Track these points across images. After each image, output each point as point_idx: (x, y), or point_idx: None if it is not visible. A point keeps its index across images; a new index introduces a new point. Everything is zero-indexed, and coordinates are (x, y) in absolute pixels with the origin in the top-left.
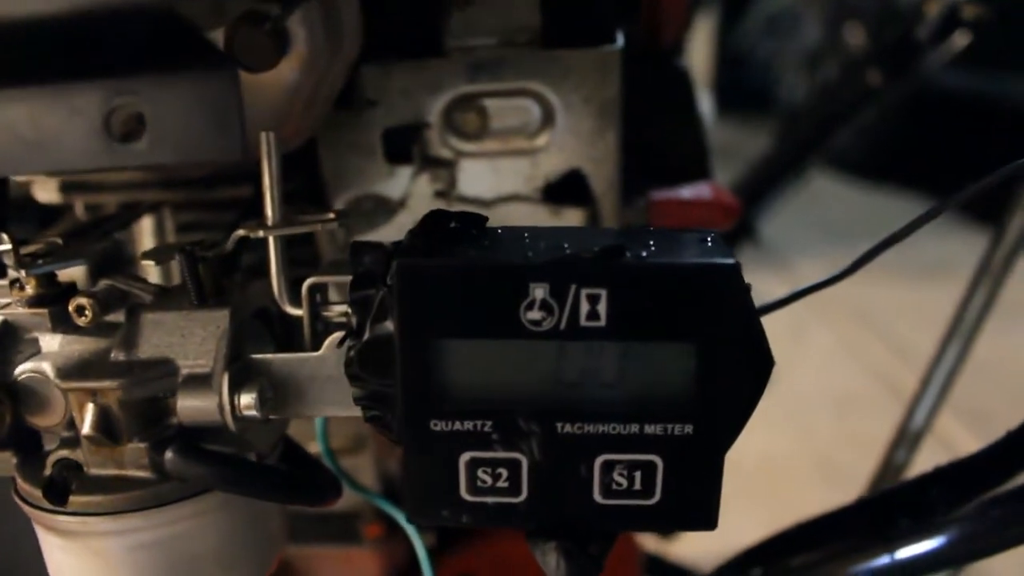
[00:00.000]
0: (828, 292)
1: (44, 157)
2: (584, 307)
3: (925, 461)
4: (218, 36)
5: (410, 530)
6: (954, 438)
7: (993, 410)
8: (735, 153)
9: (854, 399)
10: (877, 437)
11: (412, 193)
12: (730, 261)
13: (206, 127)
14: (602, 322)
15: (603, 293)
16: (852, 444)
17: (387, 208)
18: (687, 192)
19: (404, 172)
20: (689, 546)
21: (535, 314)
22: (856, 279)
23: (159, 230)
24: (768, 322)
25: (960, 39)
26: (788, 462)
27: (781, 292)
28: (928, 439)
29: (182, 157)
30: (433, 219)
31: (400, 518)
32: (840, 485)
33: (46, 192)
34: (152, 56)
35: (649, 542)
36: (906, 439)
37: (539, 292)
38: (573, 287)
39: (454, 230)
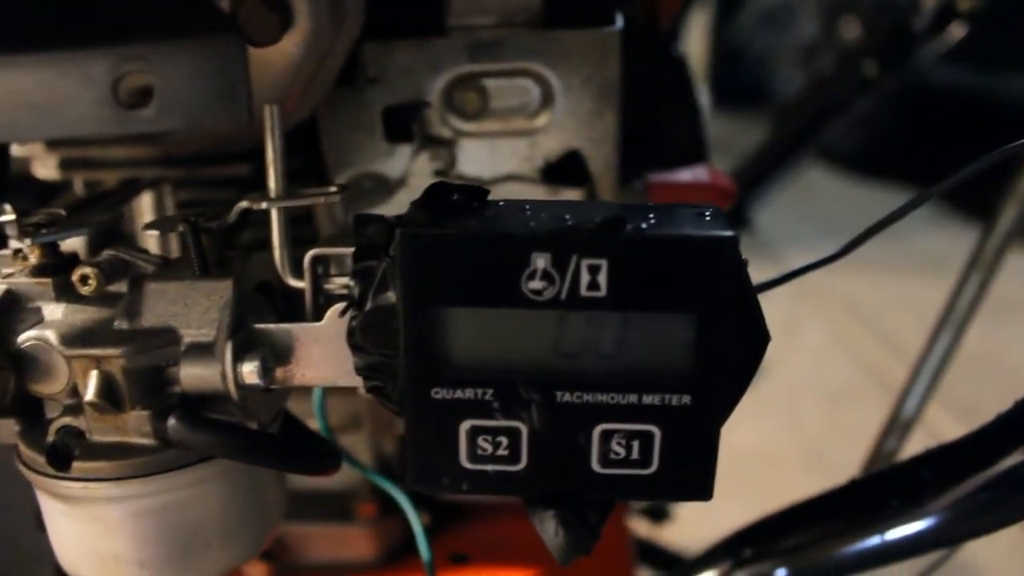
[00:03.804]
0: (820, 286)
1: (52, 123)
2: (585, 277)
3: (915, 452)
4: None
5: (407, 505)
6: (944, 431)
7: (983, 403)
8: (730, 147)
9: (844, 392)
10: (866, 429)
11: (411, 172)
12: (729, 233)
13: (213, 94)
14: (602, 292)
15: (604, 263)
16: (842, 436)
17: (386, 187)
18: (685, 175)
19: (404, 151)
20: (678, 533)
21: (536, 284)
22: (847, 273)
23: (159, 207)
24: None
25: (956, 31)
26: (778, 453)
27: None
28: (918, 431)
29: (189, 124)
30: (436, 191)
31: (396, 494)
32: (829, 476)
33: (45, 168)
34: (160, 23)
35: (640, 528)
36: (896, 428)
37: (541, 262)
38: (574, 257)
39: (456, 202)
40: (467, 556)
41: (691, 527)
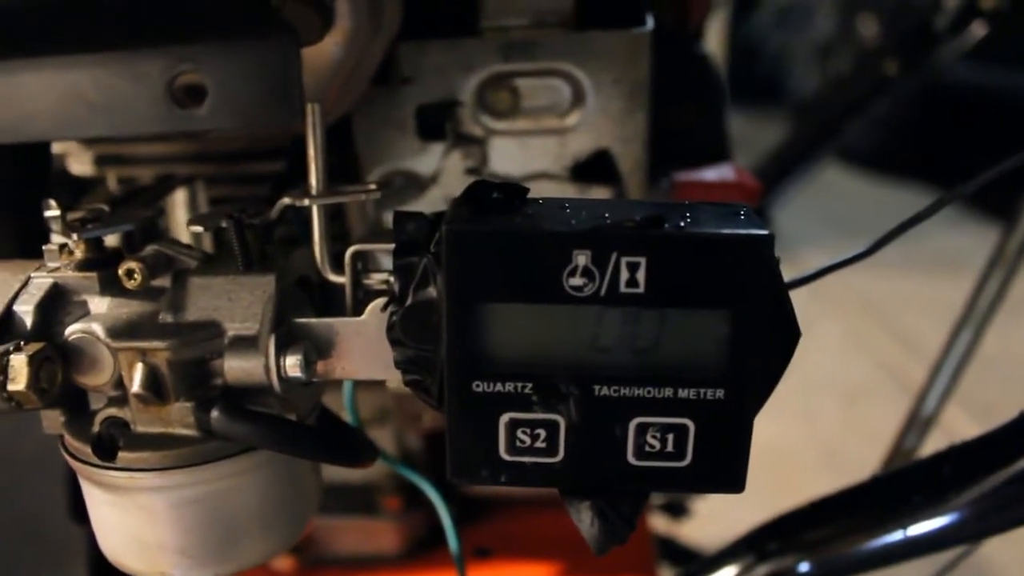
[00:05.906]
0: (837, 284)
1: (108, 121)
2: (624, 274)
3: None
4: None
5: (436, 499)
6: (962, 432)
7: (1001, 404)
8: (745, 145)
9: (861, 390)
10: (883, 428)
11: (443, 170)
12: (765, 232)
13: (267, 93)
14: (641, 289)
15: (642, 261)
16: (858, 435)
17: (418, 184)
18: (711, 174)
19: (436, 149)
20: (697, 531)
21: (577, 280)
22: (864, 272)
23: (192, 203)
24: None
25: (977, 30)
26: (795, 451)
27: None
28: (936, 432)
29: (242, 122)
30: (476, 189)
31: (427, 488)
32: (845, 475)
33: (80, 164)
34: (215, 22)
35: (659, 525)
36: (915, 426)
37: (582, 259)
38: (614, 255)
39: (497, 200)
40: (490, 550)
41: (706, 525)
